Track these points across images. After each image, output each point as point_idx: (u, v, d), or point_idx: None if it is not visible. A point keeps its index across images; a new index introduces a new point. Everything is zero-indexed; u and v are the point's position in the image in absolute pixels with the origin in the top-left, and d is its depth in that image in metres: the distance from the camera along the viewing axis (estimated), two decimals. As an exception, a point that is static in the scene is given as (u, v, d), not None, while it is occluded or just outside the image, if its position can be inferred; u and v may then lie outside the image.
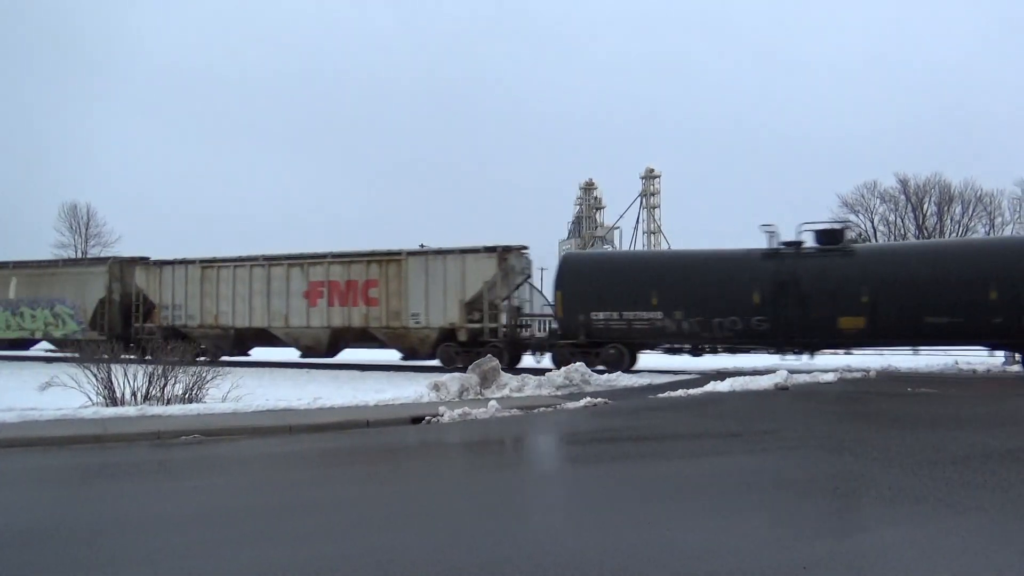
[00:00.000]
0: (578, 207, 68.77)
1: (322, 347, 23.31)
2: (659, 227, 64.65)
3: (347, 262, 22.80)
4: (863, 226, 51.87)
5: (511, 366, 19.76)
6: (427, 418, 11.01)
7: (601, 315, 19.87)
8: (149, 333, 24.93)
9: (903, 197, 52.31)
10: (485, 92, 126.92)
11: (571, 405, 12.34)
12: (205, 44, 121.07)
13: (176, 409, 11.73)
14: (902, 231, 51.57)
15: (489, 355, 16.27)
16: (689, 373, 18.19)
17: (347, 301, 22.61)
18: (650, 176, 65.70)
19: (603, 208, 68.73)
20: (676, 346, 20.22)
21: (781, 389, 14.15)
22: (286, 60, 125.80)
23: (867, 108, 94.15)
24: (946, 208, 51.65)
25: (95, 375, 12.63)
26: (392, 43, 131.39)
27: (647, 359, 21.39)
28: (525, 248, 21.81)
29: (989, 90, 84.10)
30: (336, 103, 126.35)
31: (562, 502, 6.05)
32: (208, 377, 13.22)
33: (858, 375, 17.00)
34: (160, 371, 12.89)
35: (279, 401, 12.68)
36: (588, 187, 68.23)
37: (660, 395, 13.73)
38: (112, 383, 12.62)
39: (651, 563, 4.30)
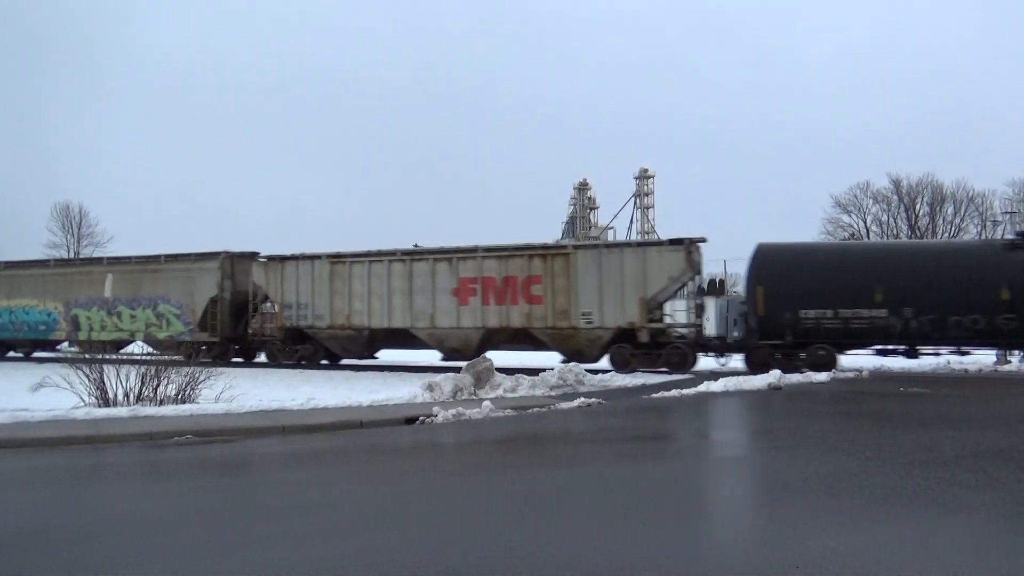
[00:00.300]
0: (572, 207, 68.87)
1: (470, 349, 21.06)
2: (653, 227, 64.77)
3: (504, 256, 20.90)
4: (856, 226, 52.06)
5: (691, 369, 18.81)
6: (421, 419, 11.00)
7: (811, 313, 18.20)
8: (268, 334, 23.63)
9: (896, 197, 52.53)
10: (478, 91, 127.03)
11: (565, 405, 12.34)
12: (201, 42, 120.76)
13: (169, 410, 11.71)
14: (895, 231, 51.77)
15: (483, 355, 16.16)
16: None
17: (504, 299, 20.68)
18: (644, 176, 65.84)
19: (597, 208, 68.81)
20: (890, 347, 18.71)
21: (774, 389, 14.19)
22: (281, 59, 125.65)
23: (860, 108, 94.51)
24: (938, 208, 51.87)
25: (87, 375, 12.58)
26: (387, 41, 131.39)
27: (852, 360, 19.78)
28: (704, 240, 19.76)
29: (981, 90, 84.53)
30: (330, 102, 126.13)
31: (556, 502, 6.05)
32: (201, 378, 13.19)
33: (851, 375, 17.06)
34: (153, 371, 12.85)
35: (273, 402, 12.65)
36: (582, 187, 68.33)
37: (654, 395, 13.76)
38: (104, 384, 12.58)
39: (644, 562, 4.30)
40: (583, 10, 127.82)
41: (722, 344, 19.89)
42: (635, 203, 65.98)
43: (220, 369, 14.82)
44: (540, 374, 15.35)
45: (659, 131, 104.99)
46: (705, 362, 19.84)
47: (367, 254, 22.38)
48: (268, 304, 24.27)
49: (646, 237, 64.56)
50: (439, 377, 14.03)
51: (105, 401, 12.45)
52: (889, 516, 5.34)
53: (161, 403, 12.45)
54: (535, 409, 12.06)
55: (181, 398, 12.71)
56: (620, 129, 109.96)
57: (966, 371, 18.70)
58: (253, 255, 24.58)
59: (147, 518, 5.77)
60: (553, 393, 14.24)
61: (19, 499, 6.78)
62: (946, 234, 50.20)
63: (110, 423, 10.46)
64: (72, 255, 51.49)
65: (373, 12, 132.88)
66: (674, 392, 13.87)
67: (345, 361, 23.80)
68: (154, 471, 8.19)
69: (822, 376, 16.27)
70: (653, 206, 65.96)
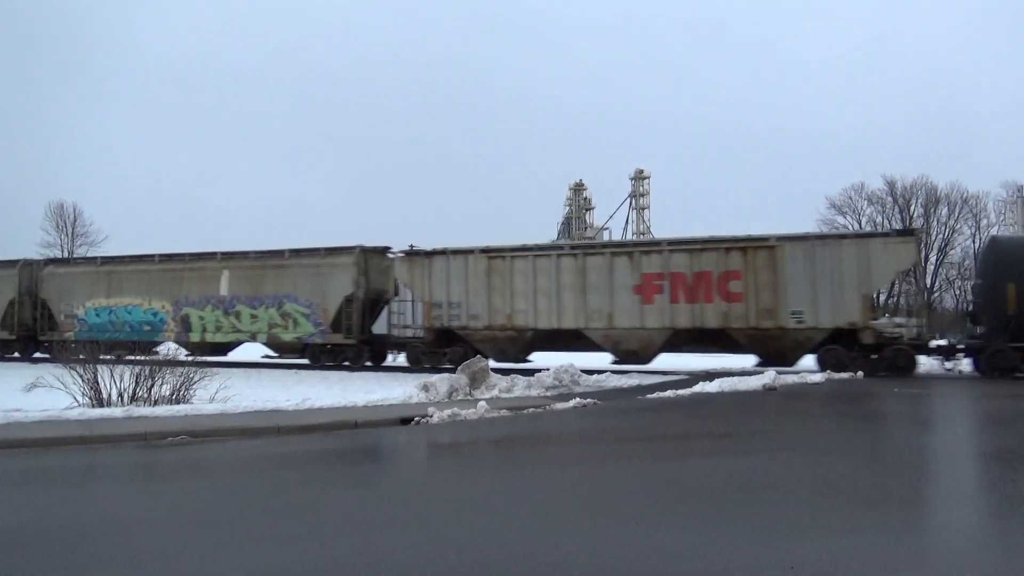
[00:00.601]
0: (568, 207, 68.91)
1: (650, 352, 19.71)
2: (649, 228, 64.85)
3: (695, 250, 19.28)
4: (850, 227, 52.20)
5: (912, 373, 17.46)
6: (416, 419, 10.99)
7: None
8: (410, 335, 21.87)
9: (890, 199, 52.75)
10: (474, 91, 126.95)
11: (561, 406, 12.34)
12: (198, 42, 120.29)
13: (163, 410, 11.67)
14: (889, 233, 51.92)
15: (479, 355, 16.12)
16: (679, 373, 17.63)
17: (696, 297, 18.96)
18: (639, 177, 65.94)
19: (593, 209, 68.89)
20: None
21: (769, 390, 14.21)
22: (278, 60, 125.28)
23: (856, 109, 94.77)
24: (932, 210, 52.07)
25: (81, 376, 12.53)
26: (383, 40, 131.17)
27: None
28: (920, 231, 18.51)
29: (976, 93, 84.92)
30: (326, 101, 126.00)
31: (551, 503, 6.05)
32: (196, 378, 13.15)
33: (846, 376, 17.09)
34: (147, 371, 12.81)
35: (267, 402, 12.63)
36: (578, 188, 68.39)
37: (650, 396, 13.76)
38: (98, 384, 12.53)
39: (640, 563, 4.30)
40: (580, 10, 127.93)
41: (950, 347, 18.37)
42: (631, 204, 66.10)
43: (214, 369, 14.76)
44: (536, 374, 15.36)
45: (655, 131, 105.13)
46: (925, 363, 18.29)
47: (527, 248, 21.00)
48: (399, 303, 22.54)
49: (641, 237, 64.71)
50: (435, 377, 14.02)
51: (99, 401, 12.40)
52: (883, 517, 5.35)
53: (155, 403, 12.41)
54: (531, 409, 12.05)
55: (176, 398, 12.67)
56: (616, 129, 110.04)
57: (960, 372, 18.74)
58: (384, 249, 23.16)
59: (141, 519, 5.75)
60: (549, 393, 14.23)
61: (13, 500, 6.75)
62: (940, 235, 50.47)
63: (104, 423, 10.41)
64: (66, 254, 51.34)
65: (370, 11, 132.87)
66: (670, 393, 13.87)
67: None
68: (148, 472, 8.16)
69: (817, 377, 16.31)
70: (649, 207, 66.09)
